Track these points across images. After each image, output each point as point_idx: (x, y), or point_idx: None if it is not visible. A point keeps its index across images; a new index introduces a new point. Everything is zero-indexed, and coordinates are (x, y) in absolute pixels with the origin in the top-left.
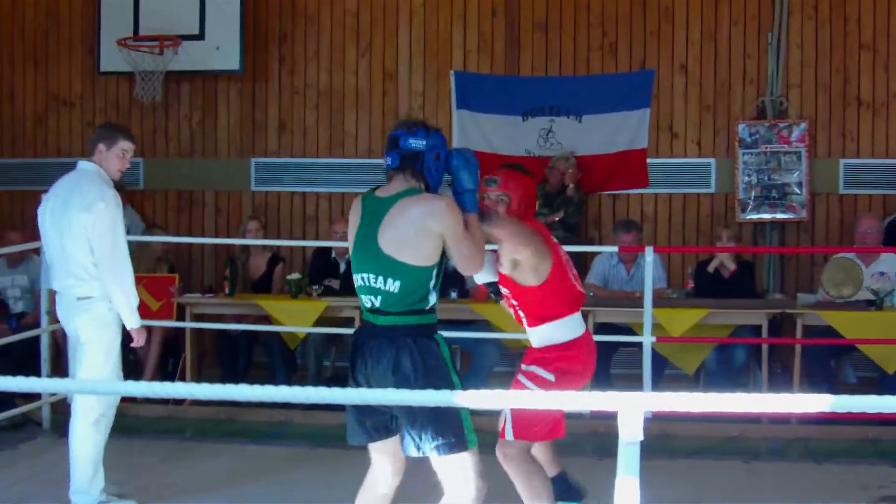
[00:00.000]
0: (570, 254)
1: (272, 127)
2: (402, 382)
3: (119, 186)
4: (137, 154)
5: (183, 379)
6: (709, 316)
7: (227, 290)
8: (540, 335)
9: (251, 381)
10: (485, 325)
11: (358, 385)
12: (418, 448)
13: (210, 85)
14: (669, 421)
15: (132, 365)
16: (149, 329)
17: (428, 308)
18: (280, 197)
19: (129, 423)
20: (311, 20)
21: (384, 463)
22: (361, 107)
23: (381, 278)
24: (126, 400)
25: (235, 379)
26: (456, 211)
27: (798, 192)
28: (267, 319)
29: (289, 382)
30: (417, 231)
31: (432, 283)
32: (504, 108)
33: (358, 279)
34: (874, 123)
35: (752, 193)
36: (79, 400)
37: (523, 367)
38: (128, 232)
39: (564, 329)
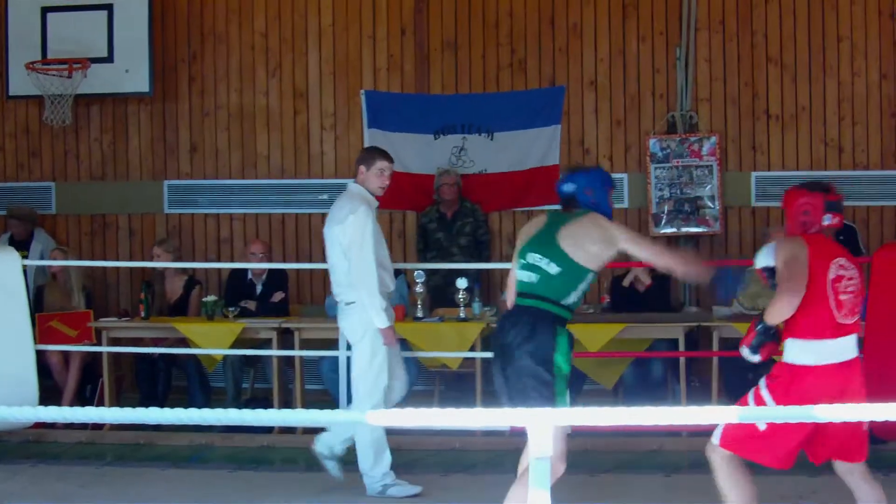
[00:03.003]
0: (485, 272)
1: (184, 149)
2: (523, 356)
3: (25, 213)
4: (48, 178)
5: (101, 404)
6: (625, 330)
7: (142, 314)
8: (785, 348)
9: (170, 405)
10: (403, 345)
11: (494, 352)
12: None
13: (120, 107)
14: (589, 436)
15: (50, 391)
16: (66, 354)
17: (565, 303)
18: (194, 219)
19: (48, 448)
20: (219, 40)
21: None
22: (273, 127)
23: (545, 260)
24: (44, 426)
25: (154, 403)
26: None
27: (711, 205)
28: (185, 342)
29: (206, 405)
30: (599, 240)
31: (581, 286)
32: (415, 127)
33: (526, 258)
34: (784, 136)
35: (665, 207)
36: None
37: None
38: (41, 256)
39: (799, 351)
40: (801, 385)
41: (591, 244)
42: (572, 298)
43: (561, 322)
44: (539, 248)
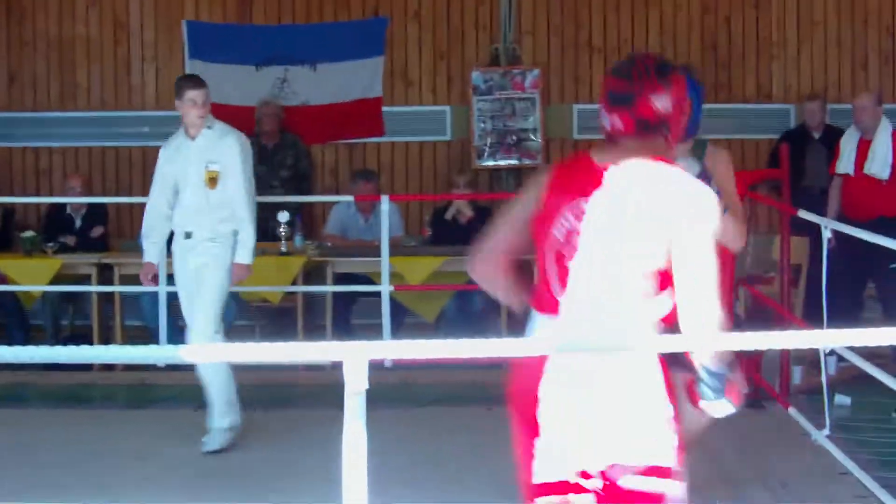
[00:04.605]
0: (307, 205)
1: (2, 80)
2: None
3: None
4: None
5: None
6: (447, 263)
7: None
8: None
9: None
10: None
11: None
12: None
13: None
14: (410, 369)
15: None
16: None
17: None
18: (11, 153)
19: None
20: None
21: None
22: (93, 58)
23: None
24: None
25: None
26: None
27: (533, 137)
28: (2, 279)
29: (25, 343)
30: None
31: None
32: (237, 58)
33: None
34: (606, 69)
35: (488, 140)
36: None
37: None
38: None
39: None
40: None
41: None
42: None
43: None
44: None
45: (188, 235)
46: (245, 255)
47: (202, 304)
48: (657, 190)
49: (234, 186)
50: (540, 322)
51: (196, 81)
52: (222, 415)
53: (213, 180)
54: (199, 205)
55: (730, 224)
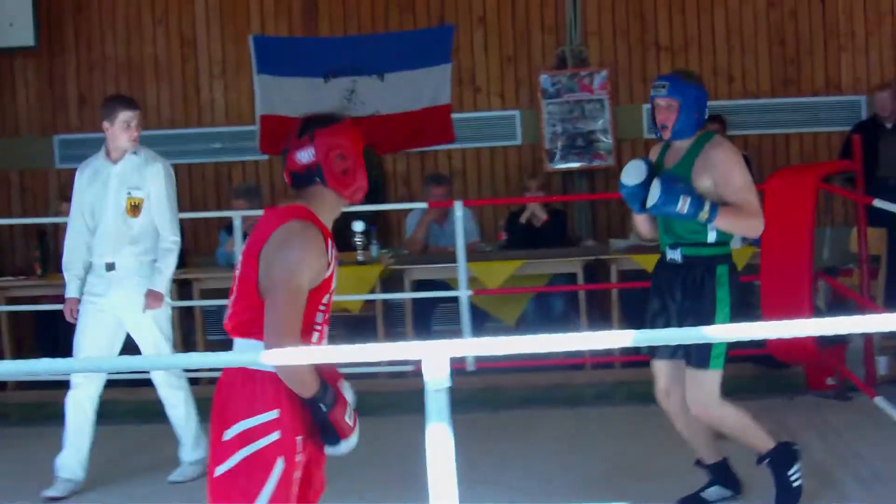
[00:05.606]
0: (381, 214)
1: (73, 103)
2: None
3: None
4: None
5: None
6: (524, 266)
7: (38, 272)
8: None
9: None
10: None
11: None
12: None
13: (6, 62)
14: (494, 373)
15: None
16: None
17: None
18: None
19: None
20: None
21: None
22: (161, 77)
23: None
24: None
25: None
26: None
27: (603, 139)
28: None
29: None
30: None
31: None
32: (305, 71)
33: None
34: (674, 67)
35: (559, 143)
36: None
37: None
38: None
39: None
40: None
41: None
42: None
43: None
44: None
45: (110, 267)
46: (161, 283)
47: (152, 345)
48: (262, 232)
49: (159, 216)
50: None
51: (130, 103)
52: (194, 448)
53: (135, 208)
54: (120, 234)
55: (731, 217)
